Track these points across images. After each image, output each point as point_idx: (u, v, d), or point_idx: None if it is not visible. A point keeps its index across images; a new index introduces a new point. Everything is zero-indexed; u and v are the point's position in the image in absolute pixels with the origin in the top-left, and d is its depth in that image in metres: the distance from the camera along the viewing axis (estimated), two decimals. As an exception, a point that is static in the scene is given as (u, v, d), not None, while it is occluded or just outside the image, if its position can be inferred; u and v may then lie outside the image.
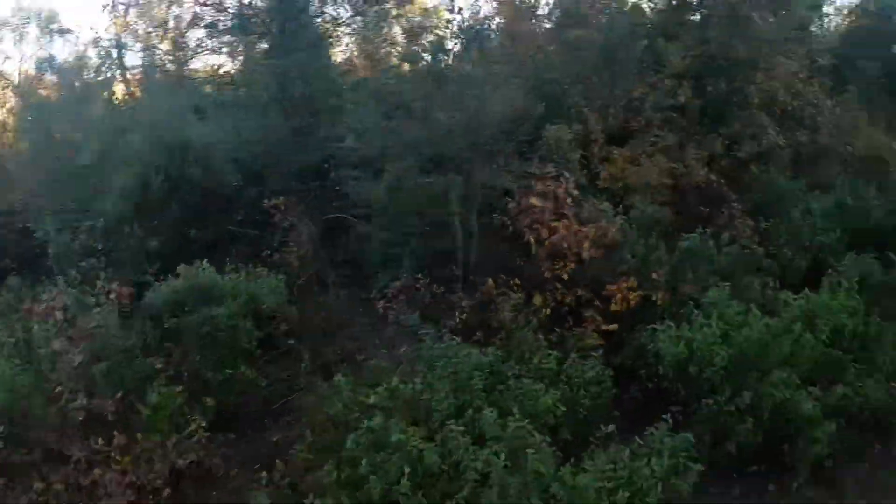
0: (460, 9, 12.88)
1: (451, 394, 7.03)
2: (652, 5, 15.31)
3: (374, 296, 10.55)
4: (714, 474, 6.96)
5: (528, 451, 6.15)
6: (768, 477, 7.42)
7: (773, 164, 12.66)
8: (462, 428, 6.39)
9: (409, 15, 17.38)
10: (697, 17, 14.64)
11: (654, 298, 9.00)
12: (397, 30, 17.39)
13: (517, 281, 9.57)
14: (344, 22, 15.80)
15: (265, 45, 14.89)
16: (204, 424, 7.83)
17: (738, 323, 7.77)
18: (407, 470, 5.93)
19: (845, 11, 23.60)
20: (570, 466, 6.19)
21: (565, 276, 9.25)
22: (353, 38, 16.92)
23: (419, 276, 10.25)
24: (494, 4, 16.02)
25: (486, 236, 10.97)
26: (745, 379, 7.28)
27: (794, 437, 7.16)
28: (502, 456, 6.10)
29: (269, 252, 11.59)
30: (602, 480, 5.92)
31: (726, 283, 8.78)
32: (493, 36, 14.24)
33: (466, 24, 12.47)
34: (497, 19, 15.62)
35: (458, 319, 9.33)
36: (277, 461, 7.57)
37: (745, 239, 10.65)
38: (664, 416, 6.66)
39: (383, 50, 16.80)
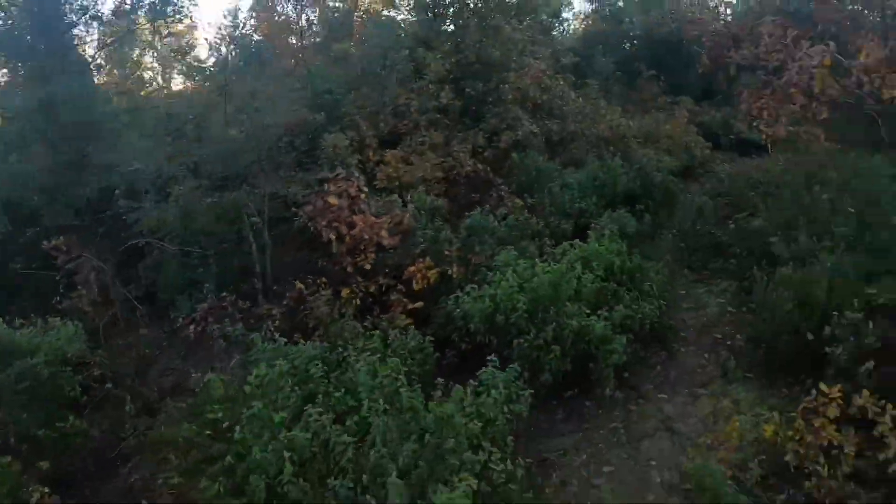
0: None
1: (297, 385, 7.33)
2: (410, 18, 16.62)
3: (181, 323, 10.47)
4: (538, 405, 7.86)
5: (401, 390, 6.80)
6: (583, 396, 8.57)
7: (530, 150, 14.04)
8: (320, 409, 6.72)
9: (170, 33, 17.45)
10: (452, 27, 16.07)
11: (450, 273, 9.84)
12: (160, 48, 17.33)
13: (324, 279, 9.99)
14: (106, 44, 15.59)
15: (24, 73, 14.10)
16: (47, 490, 7.31)
17: (529, 275, 8.75)
18: (287, 454, 6.18)
19: (582, 16, 26.70)
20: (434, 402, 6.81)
21: (368, 267, 9.86)
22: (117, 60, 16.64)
23: (224, 294, 10.31)
24: (253, 21, 16.54)
25: (286, 244, 11.36)
26: (545, 316, 8.27)
27: (595, 357, 8.25)
28: (381, 401, 6.62)
29: (58, 298, 11.02)
30: (459, 413, 6.56)
31: (510, 247, 9.84)
32: (264, 51, 14.78)
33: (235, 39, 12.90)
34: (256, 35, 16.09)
35: (272, 329, 9.47)
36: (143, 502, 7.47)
37: (517, 212, 11.84)
38: (489, 359, 7.43)
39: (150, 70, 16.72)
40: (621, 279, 9.61)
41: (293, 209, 10.84)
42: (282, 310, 10.02)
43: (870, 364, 6.97)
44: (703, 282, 11.53)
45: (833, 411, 6.43)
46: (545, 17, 22.20)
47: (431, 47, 14.95)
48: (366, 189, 10.39)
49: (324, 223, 9.89)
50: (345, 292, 9.78)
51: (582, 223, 11.67)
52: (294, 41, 17.32)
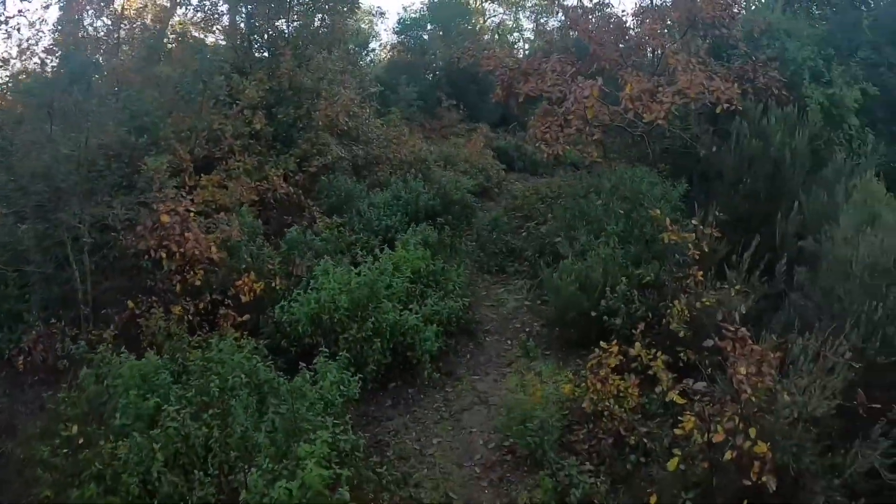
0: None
1: (142, 396, 7.54)
2: (225, 44, 17.03)
3: (9, 355, 10.07)
4: (366, 397, 8.96)
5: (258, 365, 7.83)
6: (406, 385, 9.72)
7: (339, 173, 14.94)
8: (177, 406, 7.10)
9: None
10: (267, 54, 16.78)
11: (273, 285, 10.55)
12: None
13: (154, 299, 10.16)
14: None
15: None
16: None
17: (347, 279, 9.68)
18: (156, 445, 6.64)
19: (388, 47, 28.10)
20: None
21: (197, 283, 10.21)
22: None
23: (52, 322, 10.19)
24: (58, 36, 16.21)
25: (111, 267, 11.16)
26: (364, 314, 9.26)
27: (412, 346, 9.42)
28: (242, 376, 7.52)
29: None
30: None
31: (327, 257, 10.72)
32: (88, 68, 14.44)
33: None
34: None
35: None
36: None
37: (329, 230, 12.65)
38: (320, 349, 8.34)
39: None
40: (427, 281, 10.87)
41: (114, 233, 10.71)
42: (113, 332, 9.91)
43: (641, 327, 8.46)
44: (501, 283, 12.95)
45: (614, 361, 7.90)
46: (353, 46, 23.19)
47: (246, 73, 15.47)
48: (193, 209, 10.76)
49: (153, 242, 10.06)
50: (176, 310, 10.00)
51: (389, 237, 12.63)
52: (102, 60, 16.92)
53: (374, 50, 29.69)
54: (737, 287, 8.61)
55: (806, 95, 12.44)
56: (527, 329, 11.14)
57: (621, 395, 7.86)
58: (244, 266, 10.66)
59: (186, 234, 10.00)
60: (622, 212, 11.34)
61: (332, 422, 6.95)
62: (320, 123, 15.47)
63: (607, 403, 7.77)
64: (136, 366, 7.94)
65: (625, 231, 11.10)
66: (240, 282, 10.29)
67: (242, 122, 14.60)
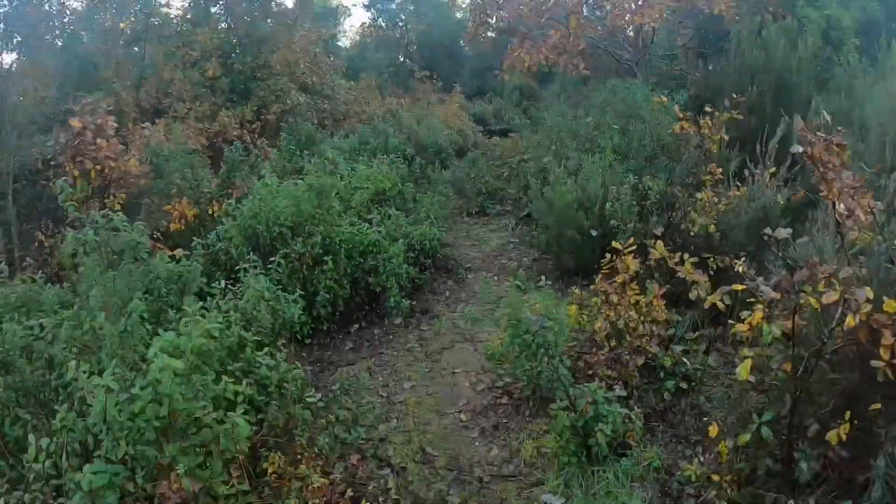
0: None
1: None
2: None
3: None
4: (321, 341, 6.90)
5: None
6: (371, 327, 7.50)
7: (300, 118, 12.84)
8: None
9: None
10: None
11: (210, 211, 8.27)
12: None
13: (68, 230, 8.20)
14: None
15: None
16: None
17: (291, 189, 7.36)
18: None
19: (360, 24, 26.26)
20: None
21: (118, 208, 7.99)
22: None
23: None
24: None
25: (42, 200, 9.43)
26: (312, 229, 6.97)
27: (374, 270, 7.18)
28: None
29: None
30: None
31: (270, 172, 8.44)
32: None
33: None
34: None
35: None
36: None
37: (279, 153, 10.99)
38: (251, 259, 6.09)
39: None
40: (396, 204, 8.57)
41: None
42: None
43: (659, 230, 6.21)
44: (483, 224, 10.76)
45: (631, 264, 5.65)
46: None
47: (199, 24, 13.77)
48: (113, 117, 8.54)
49: (69, 156, 8.04)
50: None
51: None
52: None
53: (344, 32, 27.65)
54: (772, 170, 6.57)
55: (802, 16, 10.70)
56: (515, 263, 8.85)
57: (644, 309, 5.60)
58: (174, 190, 8.37)
59: (99, 142, 7.77)
60: (617, 127, 9.20)
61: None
62: (278, 67, 13.49)
63: (630, 317, 5.50)
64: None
65: (621, 146, 8.92)
66: (168, 206, 8.08)
67: (197, 73, 12.87)
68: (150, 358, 3.47)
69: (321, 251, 6.78)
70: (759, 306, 4.28)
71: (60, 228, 8.27)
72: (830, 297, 3.69)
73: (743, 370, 4.10)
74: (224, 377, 3.87)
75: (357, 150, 11.38)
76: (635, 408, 5.00)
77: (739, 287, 4.34)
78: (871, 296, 3.72)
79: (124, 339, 4.06)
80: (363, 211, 7.69)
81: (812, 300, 3.97)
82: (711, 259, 5.93)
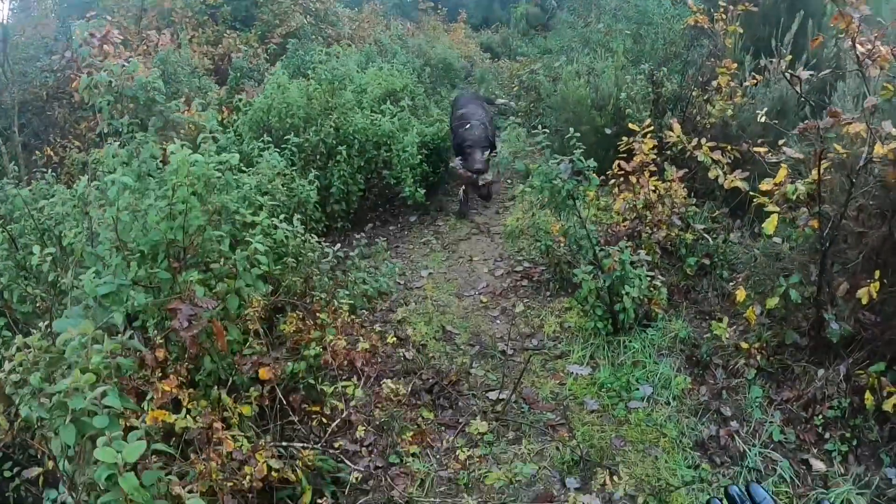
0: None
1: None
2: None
3: None
4: (335, 238, 6.42)
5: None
6: (386, 224, 7.52)
7: (305, 40, 12.46)
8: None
9: None
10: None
11: (220, 118, 7.90)
12: None
13: (74, 141, 8.24)
14: None
15: None
16: None
17: (304, 85, 7.21)
18: None
19: None
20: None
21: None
22: None
23: None
24: None
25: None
26: (325, 120, 6.80)
27: (388, 163, 7.06)
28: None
29: None
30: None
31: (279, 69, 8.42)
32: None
33: None
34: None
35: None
36: None
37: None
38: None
39: None
40: (408, 106, 8.19)
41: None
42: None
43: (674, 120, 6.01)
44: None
45: (650, 144, 5.49)
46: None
47: None
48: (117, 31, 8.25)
49: (76, 70, 7.84)
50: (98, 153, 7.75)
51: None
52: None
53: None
54: (788, 58, 6.33)
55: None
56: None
57: (662, 191, 5.44)
58: (183, 99, 8.07)
59: (106, 48, 7.55)
60: (628, 32, 8.92)
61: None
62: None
63: (649, 197, 5.34)
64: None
65: (633, 51, 8.64)
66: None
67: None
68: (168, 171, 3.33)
69: (334, 141, 6.59)
70: (783, 167, 4.14)
71: (67, 145, 8.14)
72: (856, 126, 3.52)
73: (770, 225, 3.97)
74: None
75: (365, 65, 11.07)
76: (659, 276, 4.87)
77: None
78: (896, 131, 3.56)
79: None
80: (375, 107, 7.45)
81: (837, 147, 3.82)
82: (729, 148, 5.75)
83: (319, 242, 4.59)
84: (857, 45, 3.93)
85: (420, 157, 7.07)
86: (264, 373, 3.13)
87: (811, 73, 4.20)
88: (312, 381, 3.62)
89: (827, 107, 5.42)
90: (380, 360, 4.23)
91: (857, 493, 3.68)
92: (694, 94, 6.87)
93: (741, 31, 7.11)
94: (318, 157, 6.51)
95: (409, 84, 8.47)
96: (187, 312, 3.03)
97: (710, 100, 6.50)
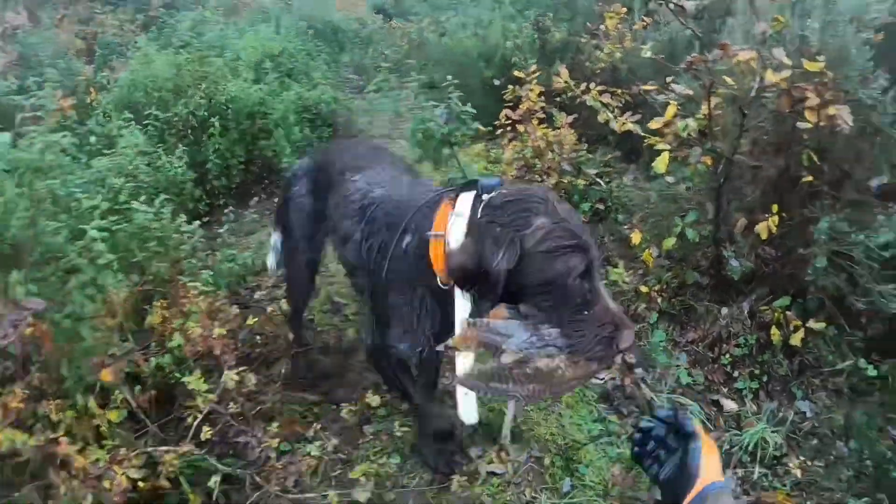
0: None
1: None
2: None
3: None
4: (218, 218, 6.00)
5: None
6: (273, 195, 6.63)
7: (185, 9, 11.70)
8: None
9: None
10: None
11: (88, 101, 7.22)
12: None
13: None
14: None
15: None
16: None
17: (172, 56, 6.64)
18: None
19: None
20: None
21: None
22: None
23: None
24: None
25: None
26: (194, 92, 6.18)
27: (266, 132, 6.51)
28: None
29: None
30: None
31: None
32: None
33: None
34: None
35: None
36: None
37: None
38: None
39: None
40: (287, 71, 7.78)
41: None
42: None
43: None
44: (383, 96, 9.84)
45: (536, 90, 5.23)
46: None
47: None
48: None
49: None
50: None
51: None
52: None
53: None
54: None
55: None
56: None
57: (552, 138, 5.18)
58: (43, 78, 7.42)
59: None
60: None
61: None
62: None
63: (538, 145, 5.06)
64: None
65: (522, 0, 8.30)
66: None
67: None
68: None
69: (206, 113, 6.06)
70: (672, 103, 3.93)
71: None
72: (745, 55, 3.31)
73: (660, 163, 3.76)
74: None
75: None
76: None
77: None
78: (789, 61, 3.37)
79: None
80: (250, 74, 6.92)
81: (727, 79, 3.62)
82: (619, 92, 5.53)
83: (189, 222, 4.14)
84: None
85: (298, 126, 6.56)
86: (106, 374, 2.72)
87: (697, 1, 3.98)
88: (179, 375, 3.24)
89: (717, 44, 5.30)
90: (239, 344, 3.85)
91: (772, 431, 3.58)
92: (583, 39, 6.62)
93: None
94: (189, 131, 5.94)
95: (287, 47, 7.86)
96: (11, 318, 2.61)
97: (599, 45, 6.26)
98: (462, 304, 2.21)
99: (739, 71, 3.66)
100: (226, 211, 5.64)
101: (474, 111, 4.54)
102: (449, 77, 4.93)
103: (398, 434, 3.59)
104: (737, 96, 3.71)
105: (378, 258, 2.66)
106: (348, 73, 10.57)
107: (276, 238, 3.74)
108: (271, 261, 3.87)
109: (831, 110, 3.32)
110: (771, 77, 3.29)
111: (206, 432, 3.15)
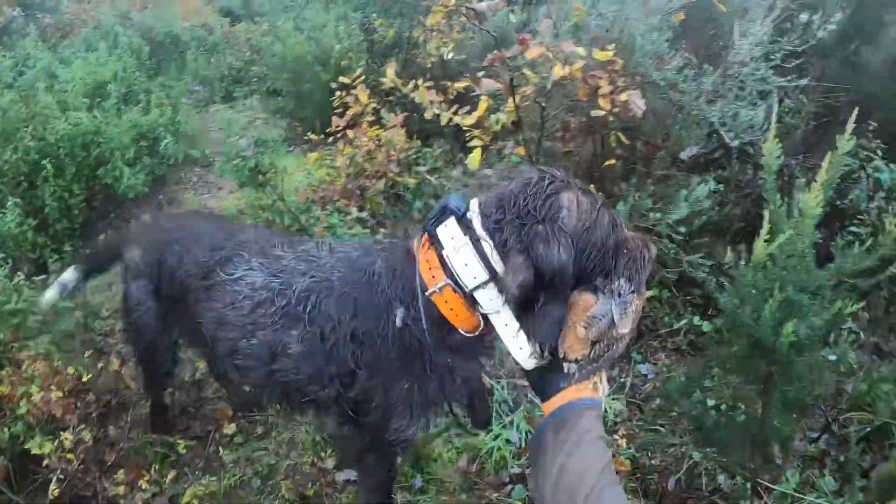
0: None
1: None
2: None
3: None
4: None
5: None
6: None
7: (16, 35, 11.09)
8: None
9: None
10: None
11: None
12: None
13: None
14: None
15: None
16: None
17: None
18: None
19: None
20: None
21: None
22: None
23: None
24: None
25: None
26: (18, 133, 5.80)
27: (103, 161, 6.24)
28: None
29: None
30: None
31: None
32: None
33: None
34: None
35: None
36: None
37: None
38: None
39: None
40: (123, 94, 7.53)
41: None
42: None
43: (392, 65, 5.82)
44: (229, 108, 9.86)
45: (362, 95, 5.25)
46: None
47: None
48: None
49: None
50: None
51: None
52: None
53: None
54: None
55: None
56: (266, 135, 8.08)
57: (383, 140, 5.23)
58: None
59: None
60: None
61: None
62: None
63: (368, 149, 5.09)
64: None
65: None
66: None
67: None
68: None
69: (37, 156, 5.75)
70: (484, 99, 4.04)
71: None
72: (535, 51, 3.44)
73: (473, 159, 3.87)
74: None
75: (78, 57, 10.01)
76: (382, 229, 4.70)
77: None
78: (582, 52, 3.52)
79: None
80: (82, 106, 6.62)
81: (528, 72, 3.75)
82: (450, 85, 5.62)
83: (29, 277, 3.98)
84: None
85: (134, 148, 6.36)
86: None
87: (490, 2, 4.08)
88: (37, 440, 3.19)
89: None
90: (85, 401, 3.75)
91: (613, 399, 3.73)
92: (413, 35, 6.69)
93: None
94: (22, 177, 5.64)
95: (118, 71, 7.57)
96: None
97: (426, 40, 6.33)
98: (509, 332, 1.86)
99: (540, 64, 3.80)
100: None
101: (282, 134, 4.53)
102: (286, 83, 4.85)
103: (255, 456, 3.68)
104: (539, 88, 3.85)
105: (360, 353, 2.12)
106: (192, 86, 10.29)
107: (70, 275, 3.35)
108: (52, 293, 3.39)
109: (623, 97, 3.50)
110: (559, 71, 3.42)
111: (53, 490, 3.11)
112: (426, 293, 1.84)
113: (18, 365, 3.39)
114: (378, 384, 2.13)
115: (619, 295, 1.77)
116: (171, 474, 3.54)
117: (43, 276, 4.15)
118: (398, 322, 1.98)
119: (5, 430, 3.17)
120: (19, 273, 3.86)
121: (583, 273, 1.76)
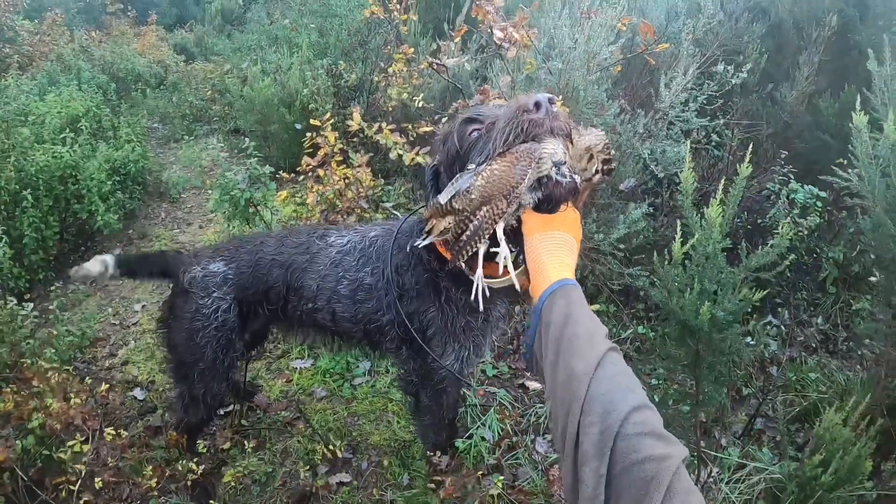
0: None
1: None
2: None
3: None
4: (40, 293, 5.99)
5: None
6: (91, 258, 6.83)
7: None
8: None
9: None
10: None
11: None
12: None
13: None
14: None
15: None
16: None
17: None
18: None
19: None
20: None
21: None
22: None
23: None
24: None
25: None
26: (3, 164, 6.09)
27: (78, 196, 6.52)
28: None
29: None
30: None
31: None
32: None
33: None
34: None
35: None
36: None
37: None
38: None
39: None
40: (94, 129, 7.74)
41: None
42: None
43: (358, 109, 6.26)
44: (191, 146, 9.93)
45: (331, 137, 5.64)
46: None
47: None
48: None
49: None
50: None
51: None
52: None
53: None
54: (457, 40, 6.81)
55: None
56: (230, 175, 8.42)
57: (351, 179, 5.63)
58: None
59: None
60: (314, 26, 9.06)
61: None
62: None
63: (338, 187, 5.50)
64: None
65: (320, 44, 8.79)
66: None
67: None
68: None
69: (17, 186, 6.01)
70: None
71: None
72: (494, 101, 3.92)
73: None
74: None
75: (47, 90, 10.23)
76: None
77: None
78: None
79: None
80: (58, 139, 6.89)
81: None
82: (410, 127, 6.06)
83: (19, 303, 4.27)
84: (496, 32, 4.41)
85: (110, 183, 6.66)
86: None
87: (456, 59, 4.57)
88: (48, 452, 3.42)
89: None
90: (101, 410, 4.04)
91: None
92: (375, 80, 7.13)
93: (415, 18, 7.48)
94: (2, 206, 5.91)
95: (91, 107, 7.87)
96: None
97: (389, 85, 6.78)
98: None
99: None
100: (52, 287, 5.61)
101: (272, 170, 4.95)
102: (259, 130, 5.21)
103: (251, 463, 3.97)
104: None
105: (401, 280, 2.71)
106: (152, 123, 10.57)
107: (110, 258, 3.40)
108: (94, 265, 3.35)
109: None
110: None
111: (98, 482, 3.28)
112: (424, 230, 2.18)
113: (25, 381, 3.63)
114: (415, 309, 2.69)
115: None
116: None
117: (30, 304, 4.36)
118: (408, 248, 2.64)
119: (18, 442, 3.30)
120: (11, 298, 4.17)
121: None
